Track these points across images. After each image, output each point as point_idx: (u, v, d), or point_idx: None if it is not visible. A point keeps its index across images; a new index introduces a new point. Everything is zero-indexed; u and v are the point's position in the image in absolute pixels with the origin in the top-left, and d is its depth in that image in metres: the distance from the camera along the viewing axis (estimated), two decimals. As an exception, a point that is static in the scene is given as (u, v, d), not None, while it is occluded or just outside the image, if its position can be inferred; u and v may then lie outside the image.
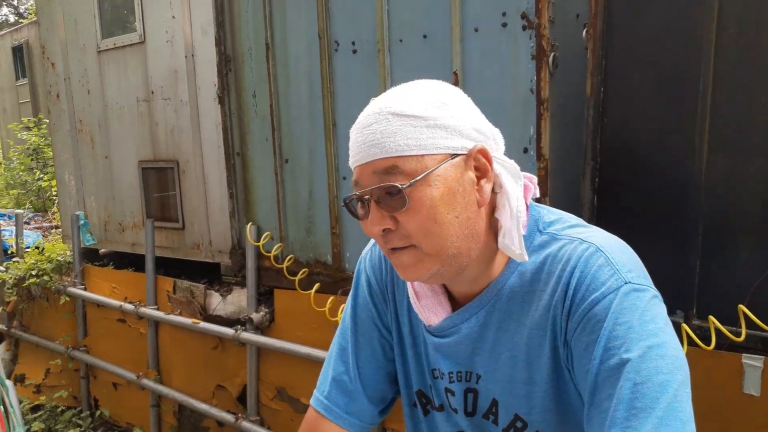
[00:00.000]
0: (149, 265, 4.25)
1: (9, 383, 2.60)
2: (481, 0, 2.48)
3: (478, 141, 0.89)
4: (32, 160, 10.16)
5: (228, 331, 3.66)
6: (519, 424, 0.96)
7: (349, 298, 1.16)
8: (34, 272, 5.10)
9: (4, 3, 24.07)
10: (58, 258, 5.18)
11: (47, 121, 6.42)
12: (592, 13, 2.22)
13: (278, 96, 3.33)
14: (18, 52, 11.62)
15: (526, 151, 2.37)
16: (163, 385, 4.30)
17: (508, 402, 0.96)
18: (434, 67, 2.63)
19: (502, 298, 0.95)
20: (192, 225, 4.30)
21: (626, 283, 0.83)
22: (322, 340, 3.24)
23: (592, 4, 2.23)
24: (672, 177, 2.19)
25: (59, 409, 5.12)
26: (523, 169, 0.96)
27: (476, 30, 2.50)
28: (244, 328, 3.60)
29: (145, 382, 4.32)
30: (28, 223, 8.17)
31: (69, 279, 5.01)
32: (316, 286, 3.19)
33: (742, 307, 1.96)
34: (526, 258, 0.90)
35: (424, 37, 2.68)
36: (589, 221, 0.98)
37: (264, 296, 3.65)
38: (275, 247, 3.44)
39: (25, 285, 5.16)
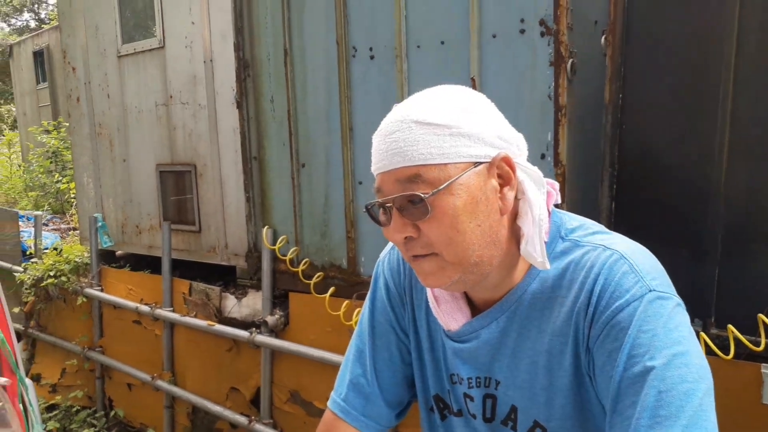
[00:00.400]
0: (165, 267, 4.29)
1: (29, 382, 2.63)
2: (500, 6, 2.49)
3: (502, 148, 0.89)
4: (51, 162, 10.29)
5: (243, 333, 3.68)
6: (538, 431, 0.96)
7: (367, 300, 1.16)
8: (51, 273, 5.17)
9: (26, 8, 24.47)
10: (76, 259, 5.24)
11: (67, 124, 6.51)
12: (611, 20, 2.22)
13: (296, 101, 3.35)
14: (39, 56, 11.80)
15: (543, 157, 2.37)
16: (178, 386, 4.33)
17: (528, 408, 0.96)
18: (452, 73, 2.64)
19: (523, 305, 0.95)
20: (208, 228, 4.33)
21: (651, 290, 0.83)
22: (337, 343, 3.24)
23: (611, 10, 2.23)
24: (690, 184, 2.17)
25: (74, 409, 5.18)
26: None
27: (494, 36, 2.51)
28: (258, 330, 3.62)
29: (160, 383, 4.35)
30: (47, 225, 8.27)
31: (86, 280, 5.07)
32: (331, 289, 3.20)
33: (761, 315, 1.94)
34: (548, 266, 0.90)
35: (442, 43, 2.69)
36: (607, 228, 0.98)
37: (279, 299, 3.67)
38: (291, 251, 3.46)
39: (42, 285, 5.22)
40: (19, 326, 5.68)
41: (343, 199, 3.21)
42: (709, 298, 2.14)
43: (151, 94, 4.63)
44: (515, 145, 0.92)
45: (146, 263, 4.93)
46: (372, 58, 2.98)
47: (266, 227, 3.56)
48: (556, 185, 0.99)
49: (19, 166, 12.09)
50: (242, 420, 3.76)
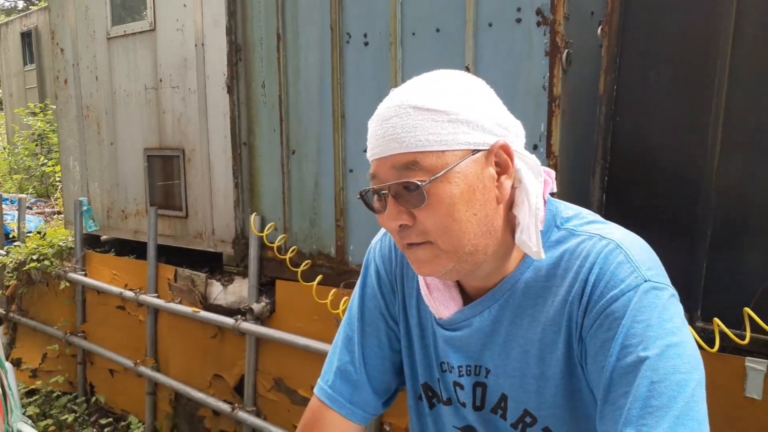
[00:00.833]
0: (151, 252, 4.24)
1: (9, 366, 2.59)
2: (496, -5, 2.47)
3: (500, 136, 0.87)
4: (37, 145, 10.16)
5: (228, 320, 3.65)
6: (528, 420, 0.95)
7: (357, 287, 1.15)
8: (34, 257, 5.10)
9: (14, -10, 24.10)
10: (60, 243, 5.17)
11: (54, 106, 6.42)
12: (608, 11, 2.22)
13: (287, 87, 3.32)
14: (27, 37, 11.62)
15: (536, 147, 2.37)
16: (161, 373, 4.29)
17: (518, 397, 0.95)
18: (446, 61, 2.62)
19: (516, 293, 0.94)
20: (195, 214, 4.29)
21: (646, 281, 0.82)
22: (323, 332, 3.23)
23: (609, 1, 2.22)
24: (683, 177, 2.18)
25: (55, 394, 5.12)
26: None
27: (490, 25, 2.49)
28: (244, 318, 3.59)
29: (143, 369, 4.31)
30: (31, 208, 8.16)
31: (70, 264, 5.00)
32: (319, 277, 3.18)
33: (747, 309, 1.96)
34: (543, 256, 0.89)
35: (437, 30, 2.68)
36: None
37: (265, 287, 3.64)
38: (279, 238, 3.43)
39: (25, 269, 5.15)
40: (1, 310, 5.61)
41: (333, 186, 3.19)
42: (697, 291, 2.16)
43: (141, 78, 4.56)
44: (513, 133, 0.90)
45: (131, 248, 4.88)
46: (366, 44, 2.96)
47: (254, 214, 3.53)
48: (552, 174, 0.98)
49: (4, 148, 11.92)
50: (225, 407, 3.74)
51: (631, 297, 0.81)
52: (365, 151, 0.90)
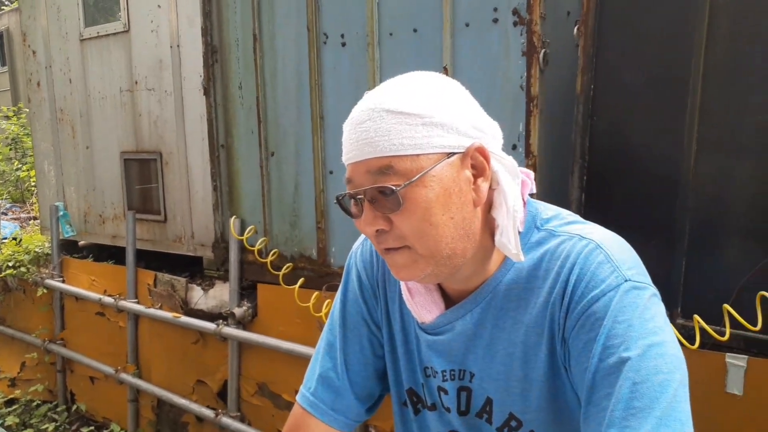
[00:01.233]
0: (130, 257, 4.18)
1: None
2: (473, -5, 2.46)
3: (476, 138, 0.86)
4: (11, 149, 9.97)
5: (209, 325, 3.61)
6: (513, 423, 0.95)
7: (339, 293, 1.14)
8: (10, 263, 5.00)
9: (-15, -10, 23.61)
10: (36, 249, 5.08)
11: (27, 110, 6.30)
12: (584, 11, 2.22)
13: (265, 88, 3.28)
14: (-2, 39, 11.39)
15: (515, 147, 2.36)
16: (142, 379, 4.24)
17: (503, 400, 0.95)
18: (424, 62, 2.61)
19: (498, 296, 0.93)
20: (174, 217, 4.24)
21: (626, 280, 0.82)
22: (306, 335, 3.21)
23: (584, 1, 2.23)
24: (660, 176, 2.19)
25: (34, 403, 5.03)
26: None
27: (467, 25, 2.48)
28: (225, 322, 3.55)
29: (124, 376, 4.25)
30: (6, 214, 8.01)
31: (47, 271, 4.91)
32: (301, 281, 3.16)
33: (727, 306, 1.97)
34: (522, 258, 0.88)
35: (415, 31, 2.66)
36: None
37: (247, 291, 3.60)
38: (259, 241, 3.40)
39: (1, 276, 5.05)
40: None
41: (313, 188, 3.17)
42: (676, 289, 2.17)
43: (116, 80, 4.48)
44: (490, 135, 0.90)
45: (110, 254, 4.81)
46: (344, 45, 2.93)
47: (234, 217, 3.49)
48: (532, 174, 0.97)
49: (-23, 153, 11.66)
50: (209, 413, 3.70)
51: (612, 297, 0.81)
52: None
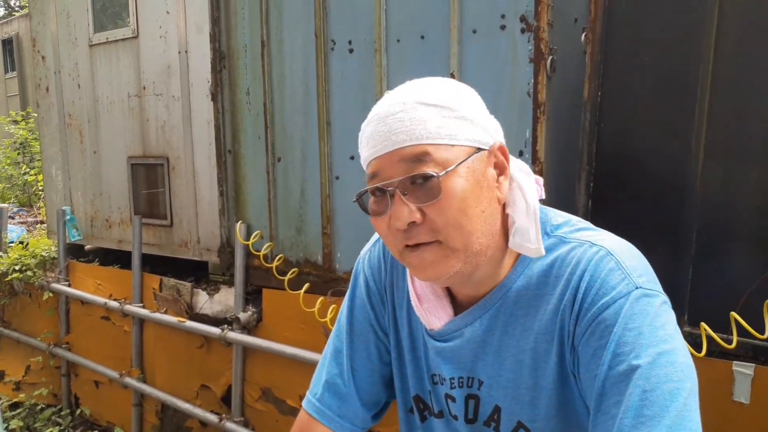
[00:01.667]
0: (136, 261, 4.19)
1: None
2: (480, 2, 2.47)
3: (496, 138, 0.88)
4: (19, 154, 10.03)
5: (214, 330, 3.61)
6: (522, 431, 0.94)
7: (346, 298, 1.13)
8: (17, 267, 5.02)
9: (-5, -4, 23.84)
10: (43, 253, 5.10)
11: (35, 114, 6.34)
12: (592, 17, 2.22)
13: (272, 94, 3.30)
14: (8, 44, 11.51)
15: (521, 154, 2.36)
16: (147, 383, 4.24)
17: (511, 408, 0.94)
18: (431, 68, 2.62)
19: (507, 302, 0.92)
20: (180, 222, 4.25)
21: (637, 288, 0.81)
22: (310, 341, 3.20)
23: (592, 8, 2.23)
24: (667, 183, 2.19)
25: (39, 407, 5.04)
26: None
27: (474, 31, 2.49)
28: (230, 327, 3.55)
29: (128, 380, 4.25)
30: (13, 218, 8.05)
31: (53, 275, 4.93)
32: (306, 286, 3.15)
33: (734, 314, 1.96)
34: (543, 252, 0.88)
35: (422, 37, 2.67)
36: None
37: (252, 296, 3.61)
38: (265, 246, 3.40)
39: (7, 280, 5.07)
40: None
41: (319, 194, 3.17)
42: (683, 296, 2.16)
43: (124, 85, 4.52)
44: (501, 136, 0.91)
45: (116, 258, 4.82)
46: (351, 51, 2.94)
47: (240, 222, 3.50)
48: (540, 180, 0.97)
49: (-15, 157, 11.74)
50: (213, 418, 3.69)
51: (623, 304, 0.80)
52: (352, 158, 0.89)
